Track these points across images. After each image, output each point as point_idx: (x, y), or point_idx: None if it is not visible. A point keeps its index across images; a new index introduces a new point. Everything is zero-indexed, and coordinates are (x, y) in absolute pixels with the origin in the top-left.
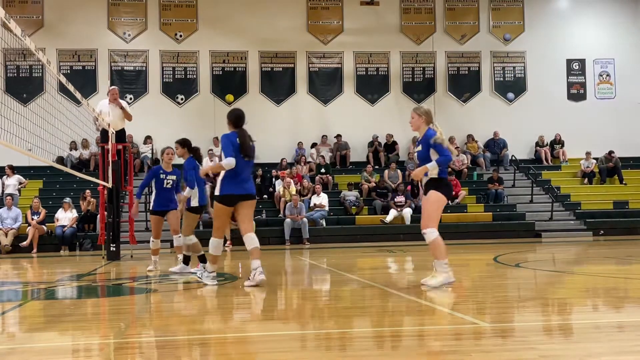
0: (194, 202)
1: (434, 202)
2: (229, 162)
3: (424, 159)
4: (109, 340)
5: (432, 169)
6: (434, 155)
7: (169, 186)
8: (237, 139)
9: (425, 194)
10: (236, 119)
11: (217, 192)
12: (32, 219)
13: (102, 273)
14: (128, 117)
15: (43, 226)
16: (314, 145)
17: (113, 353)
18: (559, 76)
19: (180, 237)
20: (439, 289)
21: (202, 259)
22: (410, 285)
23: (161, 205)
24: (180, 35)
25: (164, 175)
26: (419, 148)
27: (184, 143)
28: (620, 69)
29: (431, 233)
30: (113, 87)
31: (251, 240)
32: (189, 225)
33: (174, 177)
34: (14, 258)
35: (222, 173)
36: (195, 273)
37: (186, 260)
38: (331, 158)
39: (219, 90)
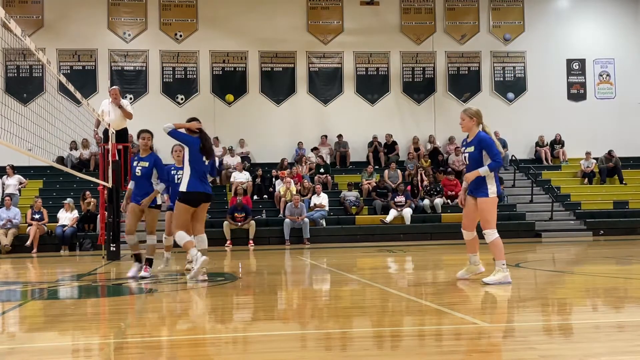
0: (160, 199)
1: (490, 204)
2: (162, 187)
3: (477, 160)
4: (109, 340)
5: (483, 173)
6: (486, 157)
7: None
8: (200, 143)
9: (472, 194)
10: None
11: (183, 189)
12: (33, 218)
13: (102, 273)
14: (128, 115)
15: (43, 226)
16: (314, 149)
17: (113, 353)
18: (559, 76)
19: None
20: (499, 286)
21: (139, 258)
22: (410, 285)
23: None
24: (180, 35)
25: (175, 171)
26: (471, 149)
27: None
28: (620, 69)
29: (492, 234)
30: (114, 87)
31: (203, 241)
32: (154, 223)
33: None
34: (14, 258)
35: (188, 173)
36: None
37: (139, 259)
38: (331, 158)
39: (219, 90)
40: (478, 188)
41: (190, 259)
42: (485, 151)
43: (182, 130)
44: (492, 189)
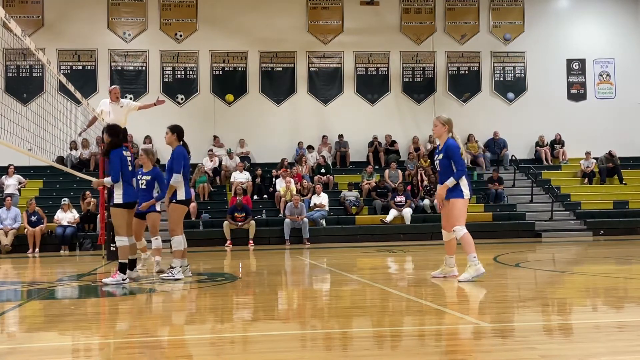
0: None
1: (462, 204)
2: (177, 179)
3: (447, 166)
4: (109, 340)
5: (450, 184)
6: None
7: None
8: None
9: (447, 197)
10: (182, 133)
11: (181, 197)
12: (30, 220)
13: (102, 273)
14: (146, 106)
15: (41, 227)
16: (309, 147)
17: (113, 353)
18: (559, 76)
19: (157, 238)
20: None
21: (124, 268)
22: (410, 285)
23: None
24: (180, 35)
25: (140, 175)
26: (440, 157)
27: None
28: (620, 69)
29: (461, 230)
30: (114, 86)
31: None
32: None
33: (148, 177)
34: (14, 258)
35: (182, 182)
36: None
37: (131, 265)
38: (331, 158)
39: (219, 90)
40: (452, 191)
41: (156, 264)
42: (452, 159)
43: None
44: (465, 191)
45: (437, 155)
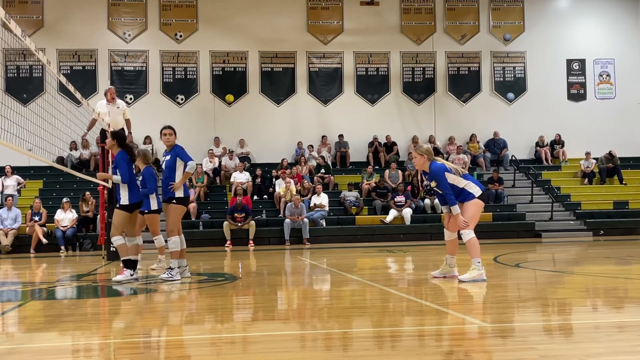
0: (125, 200)
1: (473, 206)
2: (193, 164)
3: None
4: (109, 340)
5: (455, 212)
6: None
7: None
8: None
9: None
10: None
11: (180, 195)
12: (32, 220)
13: (102, 273)
14: (129, 123)
15: (43, 227)
16: (309, 146)
17: (113, 353)
18: (559, 76)
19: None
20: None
21: (128, 264)
22: (411, 286)
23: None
24: (180, 35)
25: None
26: (433, 184)
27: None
28: (620, 69)
29: (468, 234)
30: (110, 87)
31: (183, 241)
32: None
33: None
34: (14, 258)
35: (183, 177)
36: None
37: (131, 265)
38: (331, 158)
39: (219, 90)
40: (461, 197)
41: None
42: (439, 187)
43: (181, 178)
44: (474, 191)
45: (429, 183)
